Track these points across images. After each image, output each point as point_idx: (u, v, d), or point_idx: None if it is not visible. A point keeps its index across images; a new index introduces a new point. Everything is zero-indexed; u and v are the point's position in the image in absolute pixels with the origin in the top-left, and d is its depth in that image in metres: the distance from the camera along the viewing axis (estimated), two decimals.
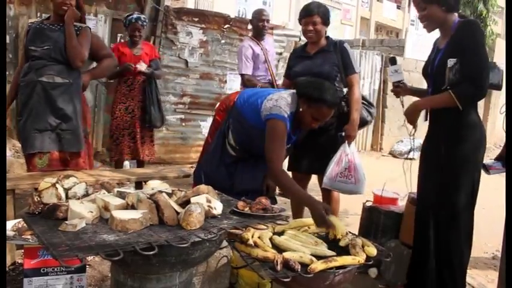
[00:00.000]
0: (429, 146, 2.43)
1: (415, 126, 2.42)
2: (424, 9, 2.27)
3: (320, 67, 2.96)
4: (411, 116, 2.36)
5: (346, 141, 2.92)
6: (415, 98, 2.58)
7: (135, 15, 4.23)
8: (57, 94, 2.86)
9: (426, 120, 2.44)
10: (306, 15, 2.98)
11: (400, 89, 2.56)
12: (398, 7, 27.73)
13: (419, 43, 9.36)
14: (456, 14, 2.30)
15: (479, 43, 2.21)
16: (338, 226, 2.02)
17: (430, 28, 2.33)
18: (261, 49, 4.06)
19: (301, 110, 2.41)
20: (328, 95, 2.37)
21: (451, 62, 2.20)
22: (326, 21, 2.99)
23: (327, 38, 3.09)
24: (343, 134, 2.94)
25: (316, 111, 2.38)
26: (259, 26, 4.11)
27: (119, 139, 4.25)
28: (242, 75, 4.07)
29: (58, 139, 2.90)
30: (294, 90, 2.53)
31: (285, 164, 3.18)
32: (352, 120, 2.94)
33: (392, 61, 2.61)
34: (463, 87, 2.17)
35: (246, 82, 4.00)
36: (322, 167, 2.96)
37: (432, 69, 2.36)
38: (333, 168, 2.89)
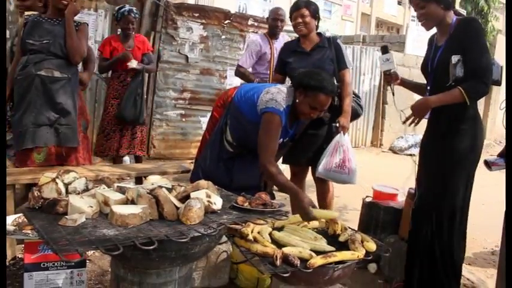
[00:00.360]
0: (428, 141, 2.44)
1: (418, 122, 2.41)
2: (422, 8, 2.27)
3: (319, 63, 3.01)
4: (420, 112, 2.33)
5: (341, 132, 2.97)
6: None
7: (127, 8, 4.16)
8: (56, 88, 2.86)
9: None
10: (294, 9, 3.08)
11: (390, 77, 2.56)
12: (399, 3, 27.68)
13: (420, 39, 9.32)
14: (452, 11, 2.31)
15: (481, 40, 2.23)
16: (324, 215, 2.04)
17: (428, 26, 2.33)
18: (270, 48, 4.06)
19: (297, 101, 2.41)
20: (324, 83, 2.37)
21: (455, 58, 2.19)
22: (315, 15, 3.09)
23: (319, 34, 3.16)
24: (337, 125, 3.00)
25: (313, 99, 2.37)
26: (273, 25, 4.12)
27: (110, 134, 4.20)
28: (239, 65, 4.09)
29: (56, 134, 2.89)
30: (290, 84, 2.54)
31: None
32: (345, 112, 3.02)
33: (384, 50, 2.60)
34: (472, 83, 2.17)
35: (239, 73, 4.05)
36: (318, 160, 2.99)
37: (432, 66, 2.36)
38: (328, 159, 2.93)
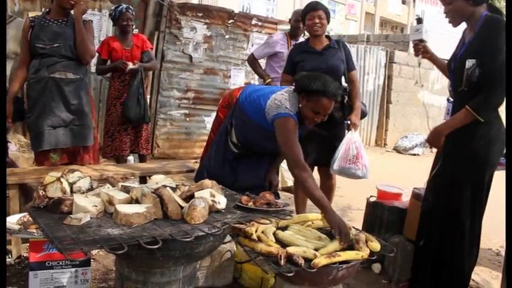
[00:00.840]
0: (444, 144, 2.38)
1: (439, 148, 2.35)
2: (449, 3, 2.18)
3: (332, 62, 3.08)
4: (435, 142, 2.29)
5: (352, 129, 3.05)
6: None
7: (124, 5, 4.15)
8: (71, 90, 2.90)
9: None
10: (312, 9, 3.14)
11: (418, 48, 2.54)
12: (403, 2, 27.57)
13: None
14: (485, 6, 2.18)
15: (499, 44, 2.07)
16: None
17: (455, 23, 2.24)
18: (287, 48, 4.10)
19: (300, 105, 2.38)
20: (326, 86, 2.32)
21: (469, 63, 2.11)
22: (328, 18, 3.19)
23: (327, 36, 3.24)
24: (349, 122, 3.08)
25: (316, 104, 2.33)
26: (295, 26, 4.20)
27: (114, 135, 4.20)
28: (253, 55, 4.27)
29: (72, 134, 2.94)
30: (293, 89, 2.52)
31: None
32: (355, 109, 3.13)
33: (419, 21, 2.65)
34: (480, 99, 2.09)
35: (250, 62, 4.30)
36: (329, 159, 3.03)
37: (455, 64, 2.27)
38: (342, 155, 2.98)
